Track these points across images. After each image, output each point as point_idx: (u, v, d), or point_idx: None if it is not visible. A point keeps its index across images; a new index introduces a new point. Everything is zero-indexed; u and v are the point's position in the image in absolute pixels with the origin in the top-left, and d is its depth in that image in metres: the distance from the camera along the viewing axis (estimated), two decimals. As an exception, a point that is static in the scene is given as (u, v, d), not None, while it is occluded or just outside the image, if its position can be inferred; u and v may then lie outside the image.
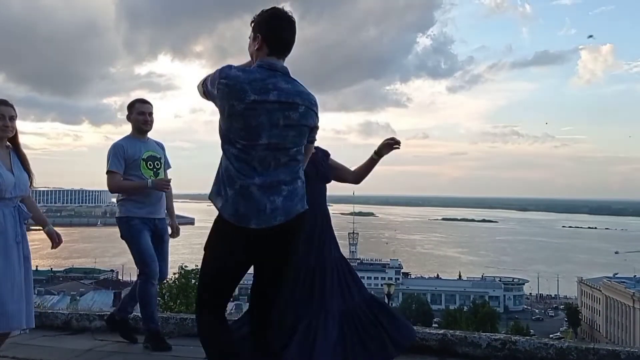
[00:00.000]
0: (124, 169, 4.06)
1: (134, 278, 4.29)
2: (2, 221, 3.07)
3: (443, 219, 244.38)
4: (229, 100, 2.32)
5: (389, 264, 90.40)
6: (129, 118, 4.23)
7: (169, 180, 4.16)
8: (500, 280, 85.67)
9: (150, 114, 4.22)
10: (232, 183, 2.35)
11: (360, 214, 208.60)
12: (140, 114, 4.17)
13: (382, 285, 29.18)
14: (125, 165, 4.06)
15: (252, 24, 2.51)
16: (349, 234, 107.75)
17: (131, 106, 4.23)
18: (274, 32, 2.45)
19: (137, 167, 4.08)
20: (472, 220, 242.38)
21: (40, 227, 3.46)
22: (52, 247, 3.48)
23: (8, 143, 3.22)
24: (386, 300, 29.13)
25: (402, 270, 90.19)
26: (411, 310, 55.94)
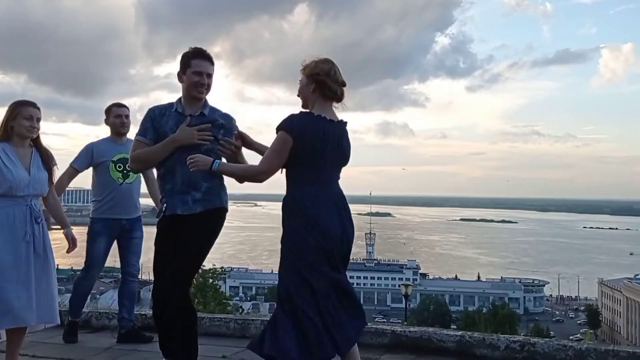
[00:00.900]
0: (93, 168, 4.28)
1: (152, 277, 4.36)
2: (12, 219, 3.14)
3: (461, 220, 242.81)
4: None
5: (406, 265, 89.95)
6: (106, 121, 4.40)
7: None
8: (520, 282, 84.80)
9: (127, 116, 4.40)
10: None
11: (377, 214, 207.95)
12: (116, 117, 4.35)
13: (399, 286, 29.01)
14: (92, 165, 4.27)
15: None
16: (365, 234, 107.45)
17: (108, 110, 4.41)
18: None
19: (105, 169, 4.27)
20: (492, 220, 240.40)
21: (60, 228, 3.53)
22: (67, 251, 3.53)
23: (30, 142, 3.30)
24: (404, 301, 28.94)
25: (420, 271, 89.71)
26: (429, 312, 55.63)
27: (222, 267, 18.69)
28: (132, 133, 4.33)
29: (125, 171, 4.27)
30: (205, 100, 3.13)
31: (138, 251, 4.43)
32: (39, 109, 3.32)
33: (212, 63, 3.17)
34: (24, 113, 3.22)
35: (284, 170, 2.82)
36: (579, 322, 71.34)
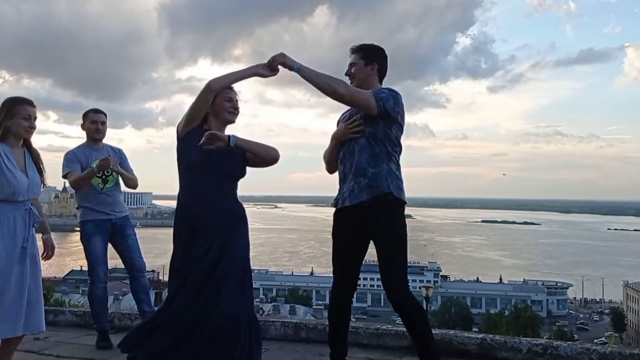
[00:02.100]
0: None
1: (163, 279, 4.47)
2: (12, 225, 3.04)
3: (483, 221, 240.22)
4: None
5: (427, 267, 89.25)
6: (83, 127, 4.42)
7: (106, 158, 4.11)
8: (543, 284, 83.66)
9: (103, 122, 4.41)
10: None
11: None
12: (92, 123, 4.36)
13: (419, 288, 28.79)
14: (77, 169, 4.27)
15: (363, 52, 3.14)
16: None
17: (85, 115, 4.42)
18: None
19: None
20: (514, 222, 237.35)
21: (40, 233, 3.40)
22: (43, 258, 3.39)
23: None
24: (424, 303, 28.69)
25: (441, 273, 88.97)
26: (450, 314, 55.11)
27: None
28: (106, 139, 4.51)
29: (104, 177, 4.34)
30: None
31: (136, 247, 4.47)
32: (35, 107, 3.18)
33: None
34: (23, 112, 3.08)
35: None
36: (603, 323, 70.19)
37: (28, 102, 3.15)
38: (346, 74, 3.17)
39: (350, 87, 2.99)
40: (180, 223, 2.85)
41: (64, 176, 4.30)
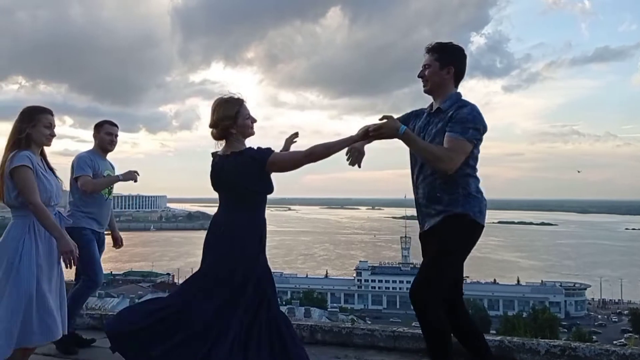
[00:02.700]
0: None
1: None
2: (59, 227, 3.09)
3: (499, 222, 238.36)
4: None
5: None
6: (95, 136, 4.44)
7: (136, 172, 4.39)
8: (561, 285, 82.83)
9: (116, 136, 4.48)
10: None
11: (412, 217, 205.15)
12: (107, 134, 4.41)
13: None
14: (92, 174, 4.26)
15: (438, 53, 3.00)
16: (401, 237, 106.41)
17: (100, 125, 4.45)
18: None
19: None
20: (531, 223, 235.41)
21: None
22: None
23: None
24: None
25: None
26: (467, 316, 54.77)
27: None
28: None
29: (109, 188, 4.40)
30: None
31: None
32: (53, 115, 3.24)
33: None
34: (44, 121, 3.15)
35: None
36: (622, 325, 69.28)
37: (48, 111, 3.23)
38: (419, 76, 3.08)
39: (450, 160, 2.81)
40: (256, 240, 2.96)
41: (76, 178, 4.26)
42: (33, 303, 2.95)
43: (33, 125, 3.12)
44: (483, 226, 2.96)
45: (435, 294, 2.87)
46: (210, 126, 3.04)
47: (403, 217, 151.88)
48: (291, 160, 2.94)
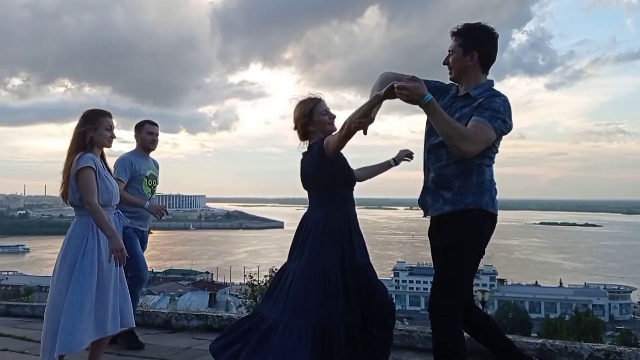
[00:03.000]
0: (128, 180, 4.32)
1: (228, 280, 4.51)
2: (113, 227, 3.22)
3: (541, 223, 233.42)
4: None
5: (482, 270, 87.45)
6: (137, 136, 4.50)
7: (164, 207, 4.35)
8: (605, 288, 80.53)
9: (157, 135, 4.54)
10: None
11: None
12: (149, 134, 4.48)
13: (475, 291, 28.21)
14: (130, 177, 4.32)
15: (462, 37, 2.76)
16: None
17: (141, 125, 4.52)
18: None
19: (139, 182, 4.38)
20: (574, 224, 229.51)
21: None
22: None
23: None
24: (481, 307, 28.15)
25: (497, 277, 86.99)
26: (508, 319, 53.79)
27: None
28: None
29: (153, 187, 4.49)
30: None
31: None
32: (112, 117, 3.39)
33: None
34: (105, 123, 3.28)
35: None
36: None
37: (108, 114, 3.37)
38: (444, 63, 2.85)
39: (473, 143, 2.56)
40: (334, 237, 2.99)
41: (119, 180, 4.30)
42: (93, 298, 3.09)
43: (95, 128, 3.24)
44: (496, 215, 2.78)
45: (456, 303, 2.68)
46: (293, 128, 3.16)
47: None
48: (336, 135, 2.92)
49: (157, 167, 4.65)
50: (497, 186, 2.79)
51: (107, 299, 3.16)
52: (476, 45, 2.73)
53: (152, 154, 4.61)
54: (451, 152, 2.63)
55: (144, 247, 4.51)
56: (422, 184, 2.93)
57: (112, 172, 3.47)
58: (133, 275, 4.29)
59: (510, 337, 3.90)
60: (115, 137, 3.36)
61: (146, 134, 4.48)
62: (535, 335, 31.40)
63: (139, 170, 4.38)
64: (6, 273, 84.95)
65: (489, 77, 2.85)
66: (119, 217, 3.37)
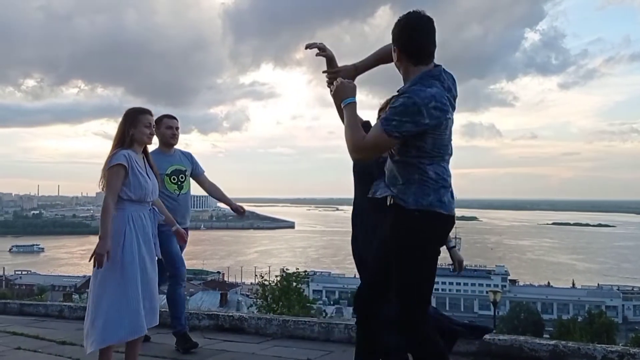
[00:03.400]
0: None
1: (239, 280, 4.50)
2: (145, 223, 3.31)
3: (554, 224, 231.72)
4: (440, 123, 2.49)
5: (494, 271, 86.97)
6: (156, 132, 4.23)
7: (186, 236, 4.05)
8: (618, 289, 79.78)
9: (177, 128, 4.44)
10: None
11: (462, 218, 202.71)
12: (168, 129, 4.38)
13: (487, 292, 28.04)
14: None
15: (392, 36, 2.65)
16: (451, 238, 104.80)
17: (159, 121, 4.35)
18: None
19: (160, 183, 4.20)
20: (587, 224, 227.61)
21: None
22: (181, 243, 3.84)
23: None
24: (492, 308, 27.95)
25: (509, 277, 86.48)
26: (520, 320, 53.44)
27: (305, 271, 18.84)
28: (179, 145, 4.56)
29: (179, 182, 4.38)
30: None
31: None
32: (153, 115, 3.47)
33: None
34: (144, 121, 3.35)
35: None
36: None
37: (148, 112, 3.45)
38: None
39: (358, 151, 2.50)
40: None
41: None
42: (135, 292, 3.15)
43: (134, 126, 3.32)
44: (448, 216, 2.54)
45: (424, 311, 2.55)
46: None
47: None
48: None
49: (188, 157, 4.53)
50: (451, 182, 2.58)
51: (148, 293, 3.23)
52: (395, 40, 2.59)
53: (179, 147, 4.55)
54: (398, 146, 2.51)
55: (182, 245, 4.36)
56: None
57: (154, 168, 3.49)
58: (170, 274, 4.31)
59: (522, 338, 3.89)
60: (154, 134, 3.46)
61: (165, 129, 4.38)
62: (548, 336, 31.16)
63: (160, 169, 4.22)
64: (20, 272, 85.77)
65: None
66: (153, 213, 3.42)
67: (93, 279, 3.22)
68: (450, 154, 2.59)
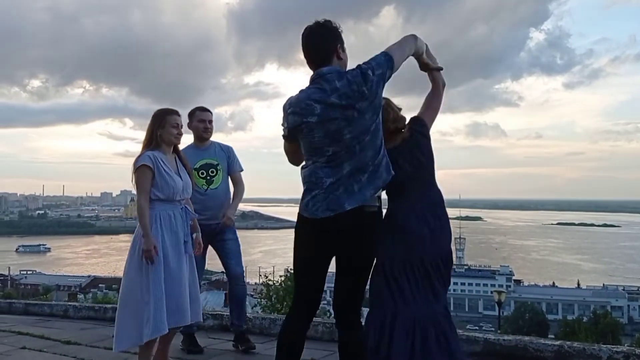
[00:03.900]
0: None
1: (246, 280, 4.46)
2: (174, 222, 3.33)
3: (558, 224, 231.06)
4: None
5: (498, 271, 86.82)
6: (189, 126, 4.27)
7: (201, 247, 3.69)
8: (624, 289, 79.48)
9: (210, 121, 4.28)
10: None
11: (467, 218, 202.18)
12: (200, 122, 4.23)
13: (491, 292, 27.99)
14: None
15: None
16: (455, 239, 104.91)
17: (192, 114, 4.28)
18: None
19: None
20: (592, 224, 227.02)
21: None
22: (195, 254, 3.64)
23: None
24: (497, 309, 27.98)
25: (514, 278, 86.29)
26: (524, 320, 53.31)
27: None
28: (214, 138, 4.39)
29: (208, 177, 4.21)
30: None
31: (236, 252, 4.27)
32: (180, 115, 3.49)
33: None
34: (172, 121, 3.39)
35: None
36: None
37: (175, 112, 3.47)
38: None
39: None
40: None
41: None
42: (160, 291, 3.18)
43: (162, 127, 3.36)
44: (313, 219, 2.55)
45: (298, 307, 2.76)
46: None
47: (457, 218, 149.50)
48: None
49: (225, 151, 4.32)
50: (330, 185, 2.53)
51: (174, 292, 3.25)
52: None
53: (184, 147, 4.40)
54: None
55: (225, 239, 4.21)
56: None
57: (187, 167, 3.50)
58: (226, 274, 4.25)
59: (527, 338, 3.88)
60: (182, 134, 3.47)
61: (198, 123, 4.22)
62: (553, 336, 31.06)
63: (191, 164, 3.99)
64: (25, 272, 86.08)
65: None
66: (186, 212, 3.42)
67: (123, 281, 3.31)
68: (331, 157, 2.51)
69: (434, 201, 2.80)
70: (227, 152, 4.34)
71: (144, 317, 3.16)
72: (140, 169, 3.28)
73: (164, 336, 3.30)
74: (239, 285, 4.28)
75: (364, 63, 2.53)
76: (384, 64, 2.52)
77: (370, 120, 2.48)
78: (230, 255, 4.25)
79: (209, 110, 4.33)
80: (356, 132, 2.47)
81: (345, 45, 2.66)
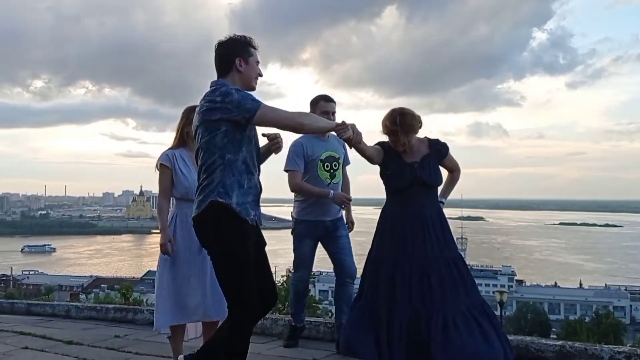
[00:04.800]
0: (305, 167, 3.94)
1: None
2: (190, 220, 3.24)
3: (561, 224, 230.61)
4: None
5: (500, 271, 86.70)
6: None
7: (350, 198, 3.93)
8: (626, 290, 79.34)
9: (334, 113, 3.97)
10: None
11: (469, 218, 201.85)
12: (324, 113, 3.85)
13: (493, 292, 27.95)
14: (305, 163, 3.93)
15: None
16: (457, 239, 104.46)
17: (315, 103, 4.02)
18: None
19: (314, 168, 3.95)
20: (594, 224, 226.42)
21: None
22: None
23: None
24: (498, 309, 27.93)
25: (516, 278, 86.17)
26: (526, 320, 53.26)
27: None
28: None
29: (332, 170, 3.98)
30: None
31: (348, 249, 4.11)
32: (333, 101, 3.61)
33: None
34: None
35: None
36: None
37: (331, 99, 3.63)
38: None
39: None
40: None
41: (287, 170, 3.98)
42: (169, 286, 3.32)
43: (189, 123, 3.34)
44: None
45: None
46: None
47: (459, 218, 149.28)
48: None
49: (342, 145, 4.04)
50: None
51: (180, 290, 3.31)
52: None
53: None
54: None
55: (336, 234, 4.07)
56: None
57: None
58: (294, 272, 4.23)
59: (528, 338, 3.88)
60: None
61: (321, 114, 3.81)
62: (555, 336, 31.00)
63: (312, 154, 3.92)
64: (27, 272, 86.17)
65: None
66: None
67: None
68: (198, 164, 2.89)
69: (439, 210, 3.38)
70: (342, 145, 4.07)
71: (157, 309, 3.37)
72: (160, 168, 3.40)
73: (207, 324, 3.40)
74: (351, 285, 4.11)
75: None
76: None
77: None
78: (346, 252, 4.10)
79: (333, 101, 4.04)
80: None
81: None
